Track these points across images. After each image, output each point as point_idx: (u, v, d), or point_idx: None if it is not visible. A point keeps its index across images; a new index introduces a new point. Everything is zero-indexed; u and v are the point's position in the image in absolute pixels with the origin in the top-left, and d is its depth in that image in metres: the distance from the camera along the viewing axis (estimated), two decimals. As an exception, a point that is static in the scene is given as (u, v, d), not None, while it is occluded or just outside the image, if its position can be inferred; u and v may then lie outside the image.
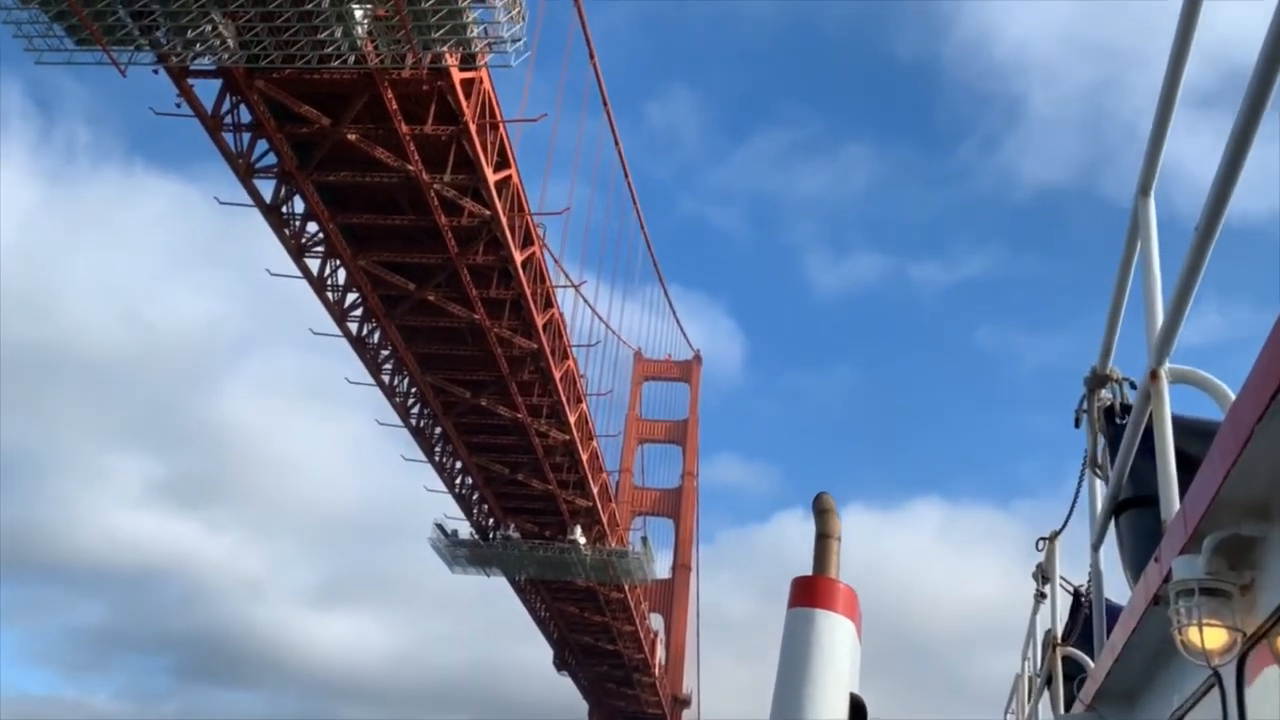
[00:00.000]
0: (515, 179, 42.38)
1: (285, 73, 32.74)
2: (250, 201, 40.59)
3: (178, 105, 34.20)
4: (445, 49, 30.08)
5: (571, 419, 59.22)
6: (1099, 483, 5.18)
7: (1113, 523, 4.86)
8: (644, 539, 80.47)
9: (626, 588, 78.19)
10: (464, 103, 35.30)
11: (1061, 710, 5.92)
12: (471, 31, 29.57)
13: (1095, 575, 5.34)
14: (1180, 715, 3.59)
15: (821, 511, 7.48)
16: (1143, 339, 3.85)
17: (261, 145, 38.11)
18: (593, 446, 65.04)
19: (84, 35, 29.53)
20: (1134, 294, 4.19)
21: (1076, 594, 7.04)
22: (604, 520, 70.49)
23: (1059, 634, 6.65)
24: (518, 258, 44.31)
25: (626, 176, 69.64)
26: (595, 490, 66.64)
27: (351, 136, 37.32)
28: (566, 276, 56.35)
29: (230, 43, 29.95)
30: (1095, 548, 5.21)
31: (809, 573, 6.88)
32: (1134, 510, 4.47)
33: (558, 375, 54.97)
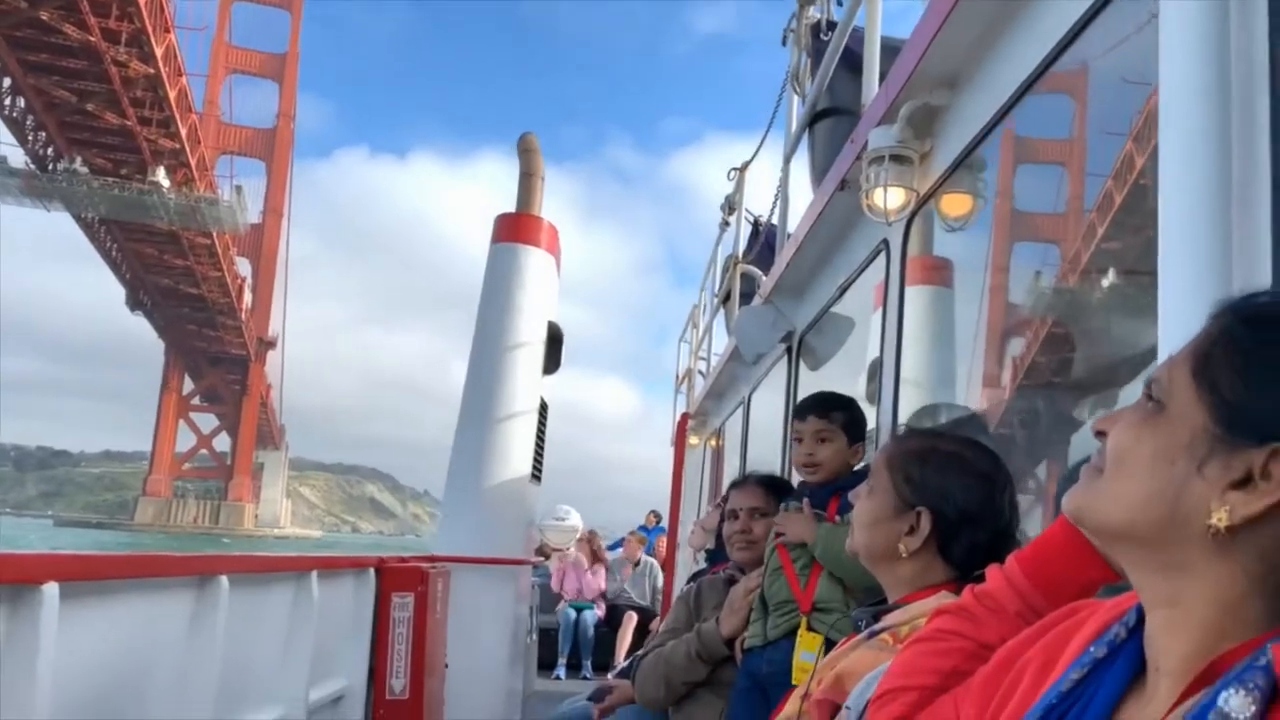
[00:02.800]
0: None
1: None
2: None
3: None
4: None
5: (158, 51, 55.91)
6: (796, 100, 5.15)
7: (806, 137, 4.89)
8: (238, 188, 79.97)
9: (215, 234, 78.24)
10: None
11: None
12: None
13: (783, 182, 5.44)
14: (844, 288, 3.87)
15: (525, 151, 7.30)
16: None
17: None
18: (181, 84, 62.66)
19: None
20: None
21: (756, 223, 7.36)
22: (192, 164, 69.49)
23: (740, 254, 7.12)
24: None
25: None
26: (184, 132, 64.90)
27: None
28: None
29: None
30: (787, 159, 5.25)
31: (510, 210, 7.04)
32: (828, 120, 4.53)
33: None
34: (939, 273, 3.22)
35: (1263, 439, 0.78)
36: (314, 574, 3.86)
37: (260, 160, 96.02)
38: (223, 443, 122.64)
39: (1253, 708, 0.72)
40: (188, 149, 68.98)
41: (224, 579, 2.97)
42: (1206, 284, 1.31)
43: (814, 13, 5.02)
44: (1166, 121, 1.43)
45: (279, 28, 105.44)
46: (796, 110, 5.07)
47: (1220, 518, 0.79)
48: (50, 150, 67.46)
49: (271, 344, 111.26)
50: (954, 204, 2.92)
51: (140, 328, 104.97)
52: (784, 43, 5.35)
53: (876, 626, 1.58)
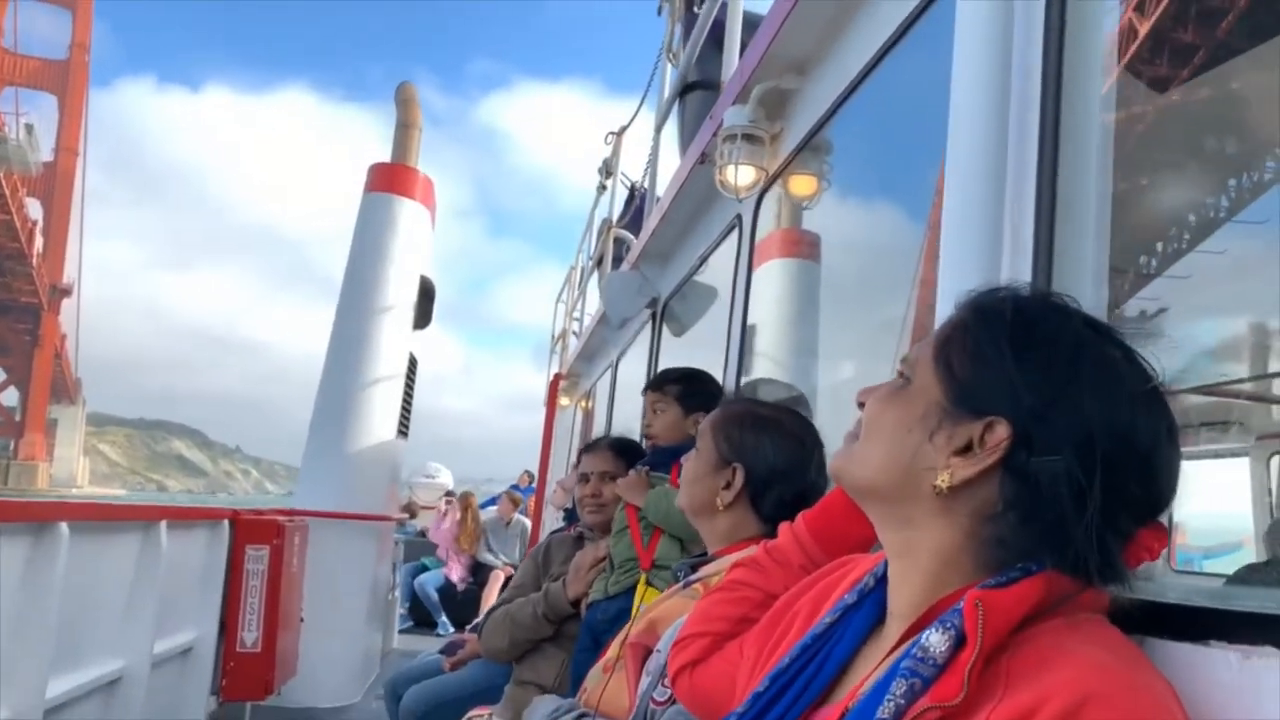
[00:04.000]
0: None
1: None
2: None
3: None
4: None
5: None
6: (670, 69, 5.19)
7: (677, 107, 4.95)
8: (29, 126, 73.80)
9: (2, 175, 72.41)
10: None
11: None
12: None
13: (654, 151, 5.52)
14: (704, 257, 3.99)
15: (403, 101, 7.19)
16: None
17: None
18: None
19: None
20: None
21: (632, 187, 7.31)
22: (-26, 97, 63.23)
23: (614, 219, 7.12)
24: None
25: None
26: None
27: None
28: None
29: None
30: (658, 129, 5.34)
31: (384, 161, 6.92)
32: (698, 93, 4.62)
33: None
34: (803, 247, 3.29)
35: (981, 413, 0.90)
36: (163, 524, 3.80)
37: (51, 94, 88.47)
38: (10, 398, 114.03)
39: (945, 645, 0.83)
40: (-34, 82, 62.65)
41: (64, 526, 2.91)
42: (979, 272, 1.40)
43: None
44: (956, 124, 1.56)
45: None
46: (670, 80, 5.18)
47: (944, 480, 0.90)
48: None
49: (67, 291, 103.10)
50: (801, 184, 3.06)
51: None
52: (659, 13, 5.44)
53: (692, 577, 1.71)
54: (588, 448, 3.16)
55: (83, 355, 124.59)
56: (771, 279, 3.32)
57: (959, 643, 0.83)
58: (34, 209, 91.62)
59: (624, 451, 3.05)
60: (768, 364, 3.29)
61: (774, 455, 1.76)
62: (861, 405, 1.02)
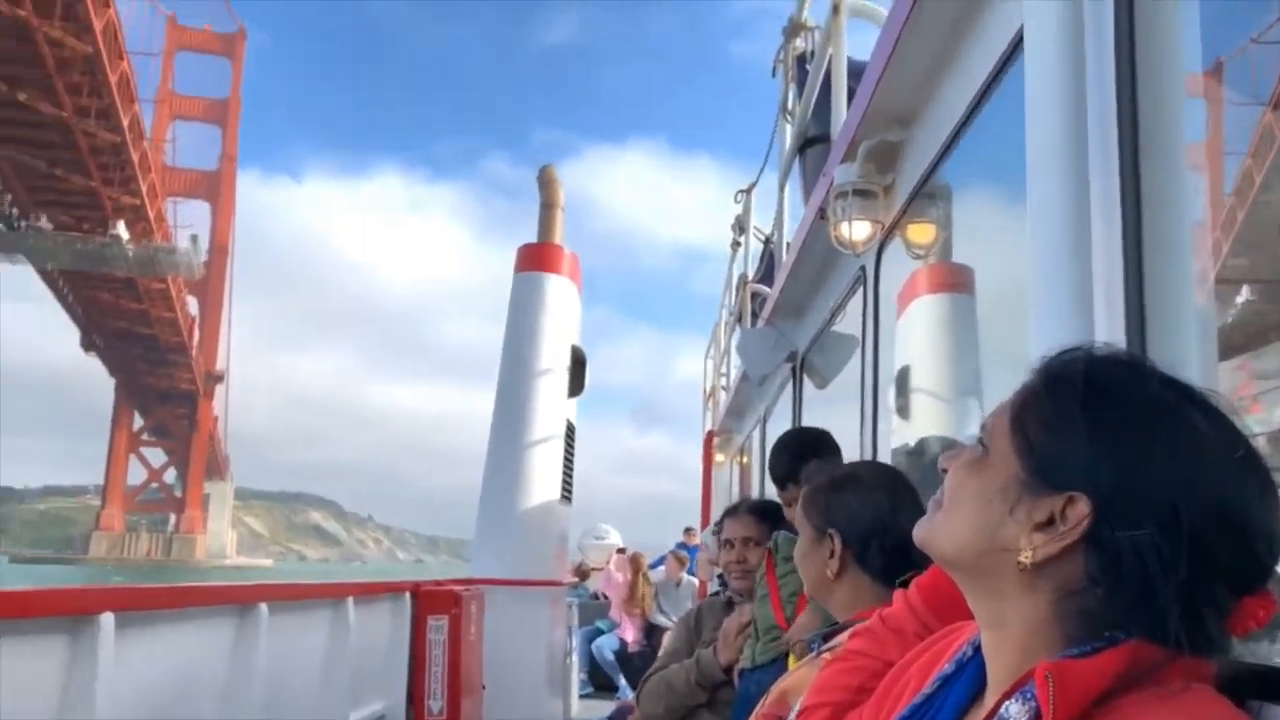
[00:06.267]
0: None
1: None
2: None
3: None
4: None
5: (125, 121, 56.61)
6: (789, 127, 5.26)
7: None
8: (194, 237, 79.71)
9: (169, 279, 77.99)
10: None
11: None
12: None
13: (779, 209, 5.57)
14: (835, 310, 4.01)
15: (546, 183, 7.36)
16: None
17: None
18: (144, 147, 62.92)
19: None
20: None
21: (766, 241, 7.29)
22: (151, 217, 69.47)
23: (750, 274, 7.19)
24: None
25: None
26: (144, 189, 65.03)
27: None
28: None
29: None
30: (781, 185, 5.38)
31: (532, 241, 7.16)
32: (817, 147, 4.64)
33: (113, 78, 52.07)
34: (952, 281, 3.06)
35: (1060, 487, 0.88)
36: (350, 600, 4.02)
37: (205, 201, 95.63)
38: (171, 475, 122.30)
39: (1024, 717, 0.84)
40: (147, 204, 69.06)
41: (263, 606, 3.12)
42: (1069, 333, 1.35)
43: (800, 44, 5.19)
44: (1034, 179, 1.57)
45: (220, 73, 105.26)
46: (789, 137, 5.20)
47: (1026, 556, 0.88)
48: (16, 210, 67.17)
49: (219, 378, 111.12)
50: (919, 232, 3.03)
51: (92, 367, 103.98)
52: (773, 74, 5.48)
53: (823, 647, 1.71)
54: (729, 512, 3.14)
55: (229, 433, 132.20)
56: (920, 318, 3.18)
57: (1037, 715, 0.83)
58: (192, 304, 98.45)
59: (766, 515, 3.00)
60: (924, 408, 3.16)
61: (861, 510, 1.75)
62: (944, 471, 1.01)
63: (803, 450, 2.72)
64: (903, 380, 3.13)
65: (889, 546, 1.70)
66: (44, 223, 66.94)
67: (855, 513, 1.75)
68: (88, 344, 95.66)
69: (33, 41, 47.22)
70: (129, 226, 68.34)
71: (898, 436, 3.15)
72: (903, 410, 3.15)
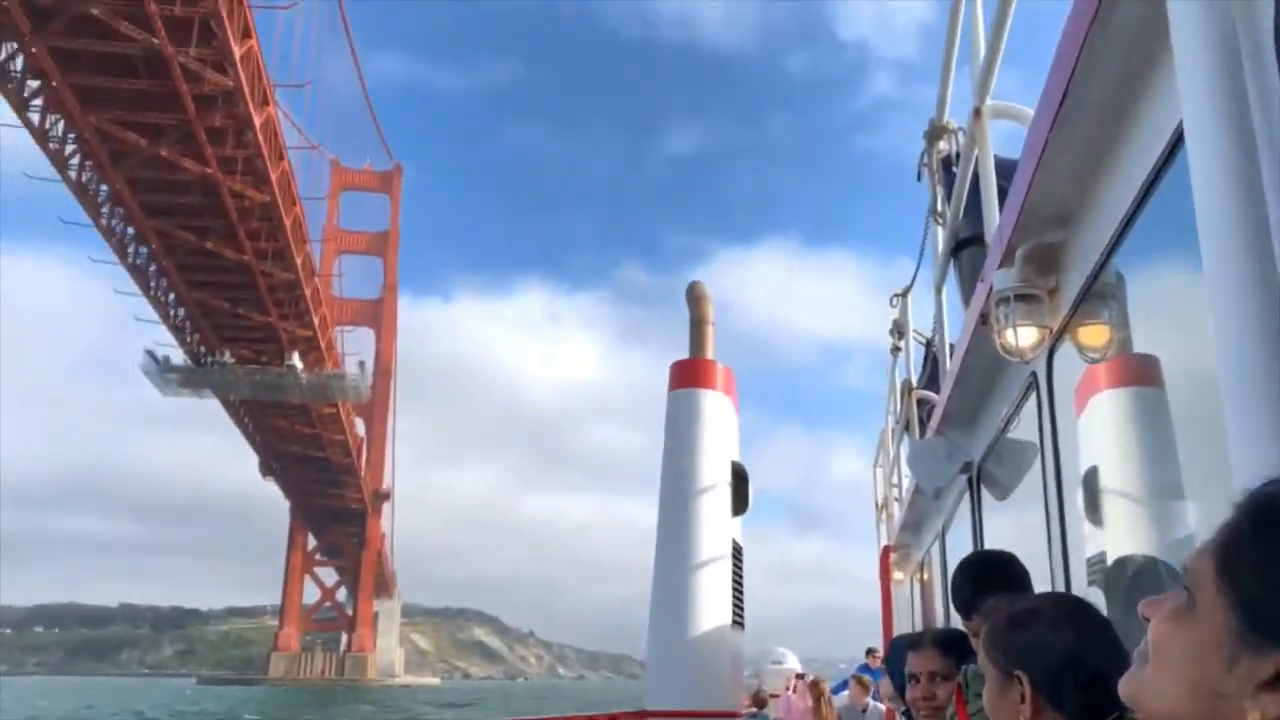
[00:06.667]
0: (256, 49, 42.75)
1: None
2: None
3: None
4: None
5: (298, 260, 60.82)
6: (940, 230, 5.17)
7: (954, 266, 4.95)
8: (361, 363, 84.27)
9: (339, 403, 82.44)
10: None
11: None
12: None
13: (938, 313, 5.48)
14: (1009, 418, 3.86)
15: (695, 299, 7.32)
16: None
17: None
18: (315, 283, 67.30)
19: None
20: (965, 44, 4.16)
21: (928, 344, 7.10)
22: (322, 347, 73.88)
23: (913, 381, 6.98)
24: (257, 121, 44.86)
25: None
26: (316, 321, 69.35)
27: (95, 10, 36.22)
28: (304, 136, 56.53)
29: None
30: (938, 289, 5.30)
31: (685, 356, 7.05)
32: (971, 248, 4.56)
33: (288, 222, 56.32)
34: (1139, 374, 2.87)
35: None
36: None
37: (369, 328, 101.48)
38: (343, 594, 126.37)
39: None
40: (319, 334, 73.75)
41: None
42: (1268, 417, 1.31)
43: (943, 146, 5.12)
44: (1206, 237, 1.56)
45: (379, 207, 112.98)
46: (941, 239, 5.11)
47: (1254, 718, 0.80)
48: (203, 348, 72.81)
49: (386, 496, 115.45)
50: (1092, 335, 2.88)
51: (270, 491, 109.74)
52: (918, 178, 5.43)
53: None
54: (912, 645, 3.01)
55: (395, 550, 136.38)
56: (1104, 415, 2.98)
57: None
58: (359, 425, 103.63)
59: (952, 647, 2.84)
60: (1117, 512, 2.97)
61: (1047, 648, 1.64)
62: (1146, 620, 0.93)
63: (985, 578, 2.59)
64: (1090, 484, 2.94)
65: (1083, 682, 1.59)
66: (227, 357, 72.35)
67: (1041, 651, 1.63)
68: (266, 469, 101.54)
69: (218, 195, 52.00)
70: (302, 356, 73.01)
71: (1091, 545, 2.97)
72: (1094, 516, 2.97)
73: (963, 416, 4.67)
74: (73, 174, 51.33)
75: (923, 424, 6.37)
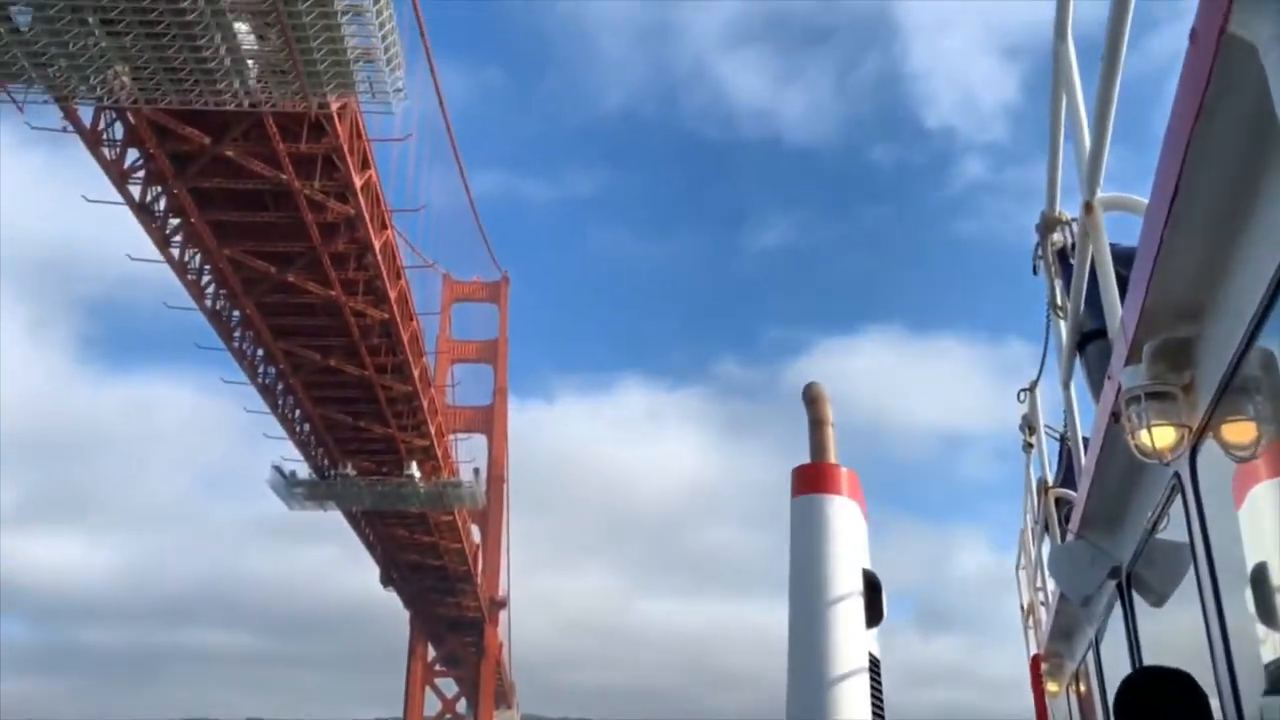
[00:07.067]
0: (375, 179, 45.13)
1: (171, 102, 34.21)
2: (121, 200, 41.71)
3: (64, 129, 34.92)
4: (332, 97, 32.71)
5: (415, 373, 62.48)
6: (1062, 323, 5.04)
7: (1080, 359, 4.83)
8: (476, 470, 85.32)
9: (456, 511, 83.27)
10: (339, 127, 37.91)
11: None
12: (357, 80, 32.13)
13: (1068, 411, 5.34)
14: (1154, 521, 3.68)
15: (812, 400, 7.05)
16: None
17: (137, 154, 39.41)
18: (431, 394, 68.91)
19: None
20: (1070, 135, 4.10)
21: (1062, 438, 6.87)
22: (439, 456, 75.06)
23: (1049, 479, 6.73)
24: (376, 244, 47.02)
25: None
26: (432, 431, 70.73)
27: (230, 153, 38.95)
28: (418, 254, 59.31)
29: (126, 80, 31.19)
30: (1065, 385, 5.14)
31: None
32: (1096, 342, 4.43)
33: (405, 337, 58.19)
34: None
35: None
36: None
37: (481, 434, 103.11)
38: (462, 705, 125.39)
39: None
40: (435, 444, 75.22)
41: None
42: None
43: (1057, 238, 5.02)
44: None
45: (488, 316, 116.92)
46: (1064, 333, 4.94)
47: None
48: (327, 461, 74.89)
49: (503, 604, 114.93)
50: (1237, 432, 2.76)
51: (389, 600, 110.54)
52: (1035, 271, 5.33)
53: None
54: None
55: (513, 659, 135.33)
56: (1268, 507, 2.78)
57: None
58: (474, 533, 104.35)
59: None
60: None
61: None
62: None
63: (1157, 700, 2.50)
64: (1260, 581, 2.76)
65: None
66: (349, 470, 74.38)
67: None
68: (386, 579, 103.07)
69: (340, 315, 54.51)
70: (420, 466, 74.64)
71: (1269, 649, 2.75)
72: (1267, 615, 2.76)
73: (1104, 517, 4.51)
74: (208, 302, 54.95)
75: (1063, 523, 6.14)
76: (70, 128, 38.34)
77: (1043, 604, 8.48)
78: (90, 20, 30.21)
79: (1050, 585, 7.69)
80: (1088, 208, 3.78)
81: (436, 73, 66.27)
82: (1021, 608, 9.87)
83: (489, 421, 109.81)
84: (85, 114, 38.55)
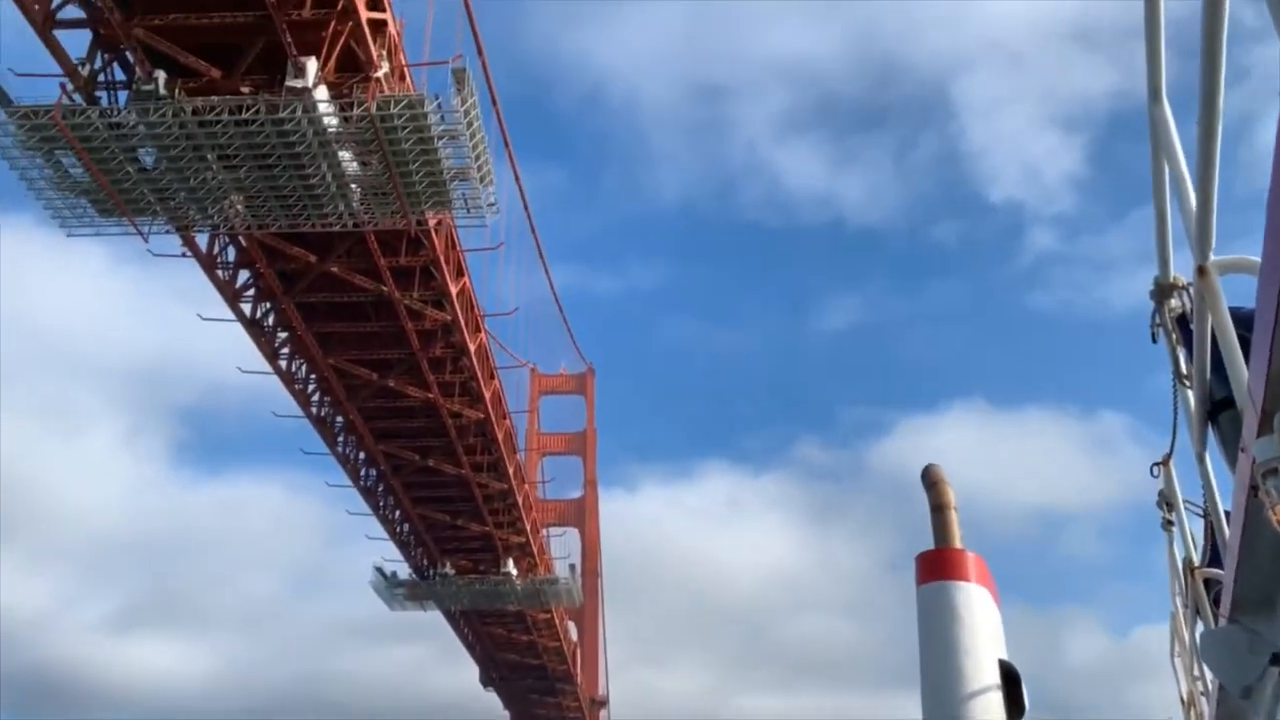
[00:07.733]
0: (469, 286, 46.83)
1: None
2: (233, 318, 44.10)
3: (183, 254, 37.44)
4: (430, 213, 34.41)
5: (510, 470, 63.44)
6: (1189, 393, 4.79)
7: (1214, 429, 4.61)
8: (571, 566, 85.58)
9: (553, 608, 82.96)
10: (436, 240, 39.74)
11: None
12: (453, 196, 33.79)
13: (1206, 485, 5.08)
14: None
15: (933, 484, 6.92)
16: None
17: (247, 274, 41.90)
18: (525, 490, 69.60)
19: (108, 207, 32.49)
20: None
21: (1205, 514, 6.45)
22: (535, 552, 75.28)
23: (1195, 559, 6.33)
24: (471, 347, 48.58)
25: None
26: (528, 527, 71.33)
27: (334, 269, 41.05)
28: (509, 354, 60.90)
29: (240, 209, 33.37)
30: (1200, 458, 4.90)
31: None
32: (1227, 411, 4.18)
33: (500, 435, 59.25)
34: None
35: None
36: None
37: (573, 527, 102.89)
38: None
39: None
40: (530, 540, 75.68)
41: None
42: None
43: (1175, 304, 4.90)
44: None
45: (575, 408, 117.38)
46: (1193, 402, 4.78)
47: None
48: (426, 561, 75.96)
49: (603, 703, 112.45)
50: None
51: (489, 700, 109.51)
52: (1154, 339, 5.15)
53: None
54: None
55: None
56: None
57: None
58: (571, 630, 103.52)
59: None
60: None
61: None
62: None
63: None
64: None
65: None
66: (448, 569, 75.35)
67: None
68: (486, 679, 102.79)
69: (438, 416, 56.15)
70: (516, 563, 75.21)
71: None
72: None
73: (1256, 599, 4.23)
74: (314, 410, 57.31)
75: (1214, 605, 5.87)
76: (189, 253, 41.55)
77: (1202, 694, 7.98)
78: (209, 157, 32.89)
79: (1208, 674, 7.23)
80: (1201, 271, 3.71)
81: (522, 181, 69.48)
82: (1181, 700, 9.18)
83: (580, 514, 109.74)
84: (200, 239, 41.82)
